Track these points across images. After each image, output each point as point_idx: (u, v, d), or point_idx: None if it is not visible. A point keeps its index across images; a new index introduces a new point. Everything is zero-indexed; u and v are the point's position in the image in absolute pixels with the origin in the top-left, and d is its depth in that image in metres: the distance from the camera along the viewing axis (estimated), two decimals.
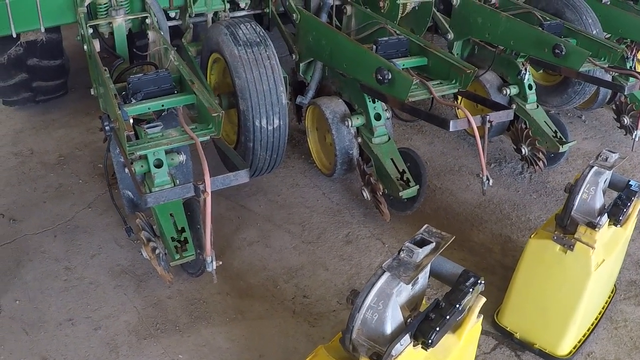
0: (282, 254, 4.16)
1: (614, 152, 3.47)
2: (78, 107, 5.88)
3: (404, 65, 4.02)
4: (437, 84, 3.93)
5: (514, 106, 4.94)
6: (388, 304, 2.27)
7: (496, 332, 3.62)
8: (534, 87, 4.96)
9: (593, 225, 3.23)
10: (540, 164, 4.80)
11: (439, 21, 5.24)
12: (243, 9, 4.98)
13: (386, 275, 2.31)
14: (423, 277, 2.48)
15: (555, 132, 4.83)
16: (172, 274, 3.64)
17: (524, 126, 4.89)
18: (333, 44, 4.25)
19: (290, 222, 4.44)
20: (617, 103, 5.53)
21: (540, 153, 4.76)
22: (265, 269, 4.02)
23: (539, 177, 5.06)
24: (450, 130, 3.64)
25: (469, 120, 3.57)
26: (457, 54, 5.28)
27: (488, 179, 3.75)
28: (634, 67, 6.10)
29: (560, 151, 4.75)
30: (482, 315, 2.59)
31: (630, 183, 3.51)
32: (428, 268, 2.43)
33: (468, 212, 4.62)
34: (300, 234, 4.33)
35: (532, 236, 3.41)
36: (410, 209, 4.23)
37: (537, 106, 4.96)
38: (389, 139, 4.30)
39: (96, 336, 3.48)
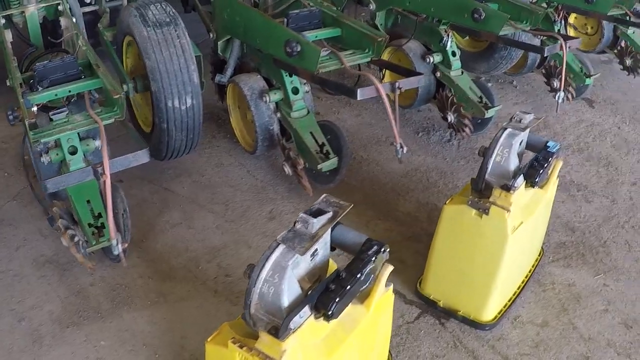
0: (205, 234, 4.00)
1: (529, 113, 3.35)
2: (1, 101, 5.57)
3: (316, 37, 3.86)
4: (350, 53, 3.76)
5: (438, 74, 4.79)
6: (284, 277, 2.20)
7: (420, 300, 3.49)
8: (457, 54, 4.82)
9: (507, 188, 3.11)
10: (467, 130, 4.67)
11: None
12: None
13: (281, 247, 2.25)
14: (323, 248, 2.40)
15: (481, 97, 4.70)
16: (94, 260, 3.53)
17: (448, 93, 4.74)
18: (246, 20, 4.08)
19: (213, 202, 4.26)
20: (547, 67, 5.43)
21: (466, 119, 4.63)
22: (188, 250, 3.86)
23: (467, 144, 4.94)
24: (358, 99, 3.49)
25: (377, 88, 3.40)
26: (381, 24, 5.14)
27: (402, 147, 3.60)
28: (564, 31, 6.04)
29: (486, 116, 4.61)
30: (392, 284, 2.54)
31: (548, 144, 3.40)
32: (327, 238, 2.38)
33: (394, 182, 4.49)
34: (224, 214, 4.15)
35: (447, 202, 3.27)
36: (332, 181, 4.07)
37: (462, 72, 4.82)
38: (308, 112, 4.13)
39: (20, 328, 3.32)
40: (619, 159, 4.97)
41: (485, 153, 3.23)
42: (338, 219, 2.32)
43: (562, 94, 4.42)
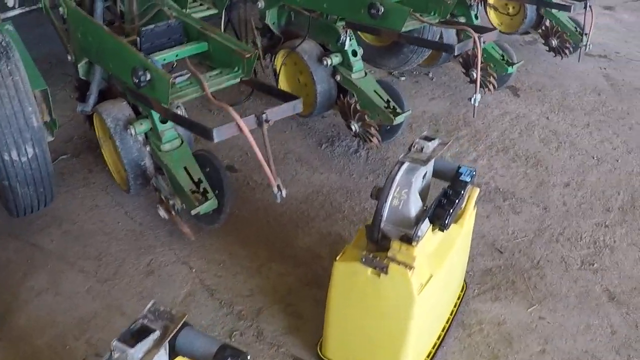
0: (73, 300, 3.26)
1: (433, 138, 2.68)
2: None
3: (177, 55, 3.10)
4: (217, 74, 3.02)
5: (338, 77, 4.08)
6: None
7: None
8: (359, 53, 4.12)
9: (409, 239, 2.44)
10: (374, 140, 3.98)
11: None
12: (14, 8, 3.95)
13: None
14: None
15: (388, 101, 4.03)
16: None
17: (351, 99, 4.04)
18: (97, 40, 3.33)
19: (85, 257, 3.51)
20: (464, 56, 4.76)
21: (372, 128, 3.94)
22: (54, 325, 3.12)
23: (377, 154, 4.28)
24: (215, 140, 2.76)
25: (238, 124, 2.68)
26: (273, 23, 4.44)
27: (280, 189, 2.89)
28: (486, 15, 5.43)
29: (395, 123, 3.93)
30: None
31: (460, 170, 2.72)
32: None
33: (293, 209, 3.79)
34: (96, 271, 3.42)
35: (338, 257, 2.59)
36: (217, 221, 3.38)
37: (365, 74, 4.12)
38: (182, 143, 3.38)
39: None
40: (549, 155, 4.35)
41: (379, 196, 2.55)
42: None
43: (478, 96, 3.75)
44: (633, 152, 4.47)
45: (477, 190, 2.89)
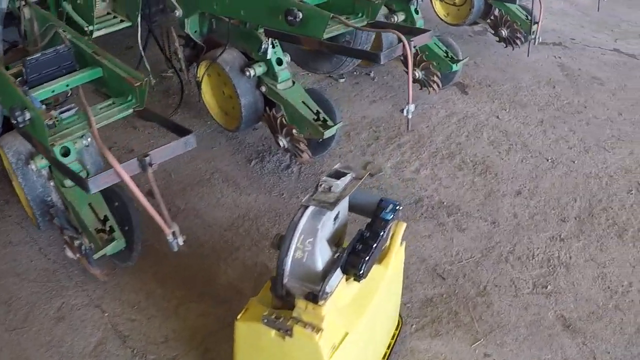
0: None
1: (347, 172, 2.29)
2: None
3: (68, 85, 2.71)
4: (108, 105, 2.60)
5: (263, 88, 3.67)
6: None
7: None
8: (285, 61, 3.69)
9: (315, 298, 2.03)
10: (305, 155, 3.57)
11: None
12: None
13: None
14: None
15: (317, 113, 3.60)
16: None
17: (277, 112, 3.63)
18: None
19: None
20: (405, 55, 4.31)
21: (301, 144, 3.53)
22: None
23: (310, 169, 3.87)
24: (92, 192, 2.39)
25: (117, 171, 2.26)
26: (195, 31, 3.99)
27: (176, 237, 2.48)
28: (431, 6, 5.05)
29: (325, 137, 3.51)
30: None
31: (381, 205, 2.34)
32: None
33: (216, 238, 3.38)
34: (4, 318, 3.01)
35: (240, 315, 2.19)
36: (129, 259, 2.99)
37: (293, 83, 3.70)
38: (87, 174, 2.96)
39: None
40: (499, 160, 3.96)
41: (281, 247, 2.14)
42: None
43: (411, 107, 3.33)
44: (590, 151, 4.10)
45: (404, 225, 2.49)
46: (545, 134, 4.25)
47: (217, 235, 3.43)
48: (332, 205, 2.18)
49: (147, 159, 2.41)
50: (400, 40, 3.20)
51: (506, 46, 5.01)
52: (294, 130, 3.56)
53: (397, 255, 2.48)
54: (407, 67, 4.20)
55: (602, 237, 3.42)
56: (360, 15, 3.46)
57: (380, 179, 3.79)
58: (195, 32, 3.98)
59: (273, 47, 3.64)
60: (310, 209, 2.20)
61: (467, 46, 5.25)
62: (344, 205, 2.37)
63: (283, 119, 3.61)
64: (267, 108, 3.75)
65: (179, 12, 3.84)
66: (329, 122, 3.59)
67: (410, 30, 3.51)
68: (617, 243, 3.39)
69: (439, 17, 5.38)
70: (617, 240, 3.41)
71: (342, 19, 3.39)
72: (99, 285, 3.13)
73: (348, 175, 2.32)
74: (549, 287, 3.11)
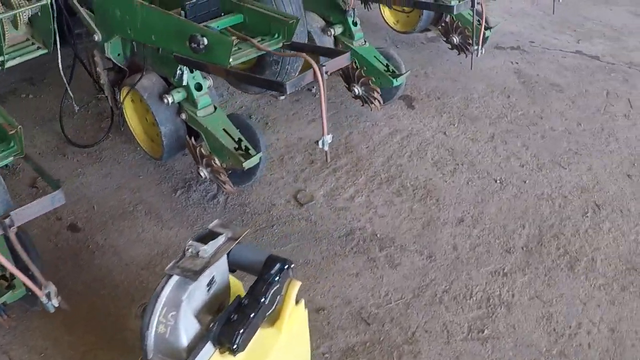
0: None
1: (220, 232, 1.96)
2: None
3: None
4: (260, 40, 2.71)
5: (183, 116, 3.34)
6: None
7: None
8: (205, 86, 3.40)
9: None
10: (227, 187, 3.24)
11: (84, 19, 3.51)
12: None
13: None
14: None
15: (239, 141, 3.26)
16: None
17: (196, 142, 3.30)
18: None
19: None
20: (344, 70, 4.00)
21: (222, 175, 3.20)
22: None
23: (237, 199, 3.51)
24: None
25: None
26: (118, 54, 3.61)
27: (49, 299, 2.17)
28: (380, 14, 4.72)
29: (246, 168, 3.17)
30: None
31: (268, 262, 2.02)
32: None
33: (132, 278, 3.06)
34: None
35: None
36: (36, 304, 2.65)
37: (215, 109, 3.39)
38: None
39: None
40: (442, 183, 3.61)
41: (142, 319, 1.82)
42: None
43: (327, 139, 2.96)
44: (544, 168, 3.75)
45: (298, 284, 2.14)
46: (496, 150, 3.89)
47: (133, 274, 3.09)
48: (196, 274, 1.85)
49: (7, 220, 2.12)
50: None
51: (459, 53, 4.66)
52: (214, 161, 3.22)
53: (293, 316, 2.14)
54: (350, 81, 3.88)
55: (551, 270, 3.08)
56: (276, 36, 3.11)
57: (311, 209, 3.44)
58: (119, 55, 3.63)
59: (192, 71, 3.29)
60: (175, 277, 1.87)
61: (418, 55, 4.90)
62: (221, 267, 2.03)
63: (202, 149, 3.26)
64: (189, 136, 3.40)
65: (97, 37, 3.50)
66: (251, 151, 3.24)
67: (329, 51, 3.16)
68: (567, 276, 3.05)
69: (388, 24, 5.02)
70: (567, 272, 3.07)
71: (254, 42, 3.04)
72: (6, 331, 2.80)
73: (221, 236, 1.98)
74: (485, 331, 2.77)
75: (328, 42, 4.04)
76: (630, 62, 5.04)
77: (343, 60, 3.04)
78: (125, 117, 3.80)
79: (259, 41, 3.10)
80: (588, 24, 5.72)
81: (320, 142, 2.91)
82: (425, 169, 3.72)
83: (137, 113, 3.75)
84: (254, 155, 3.21)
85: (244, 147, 3.26)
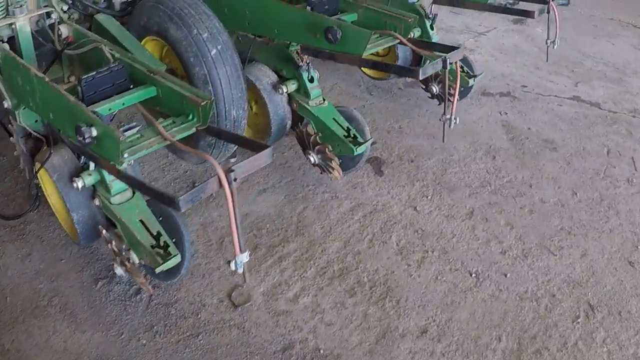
0: None
1: None
2: None
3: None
4: (170, 123, 2.46)
5: (97, 201, 2.70)
6: None
7: None
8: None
9: None
10: (148, 288, 2.61)
11: None
12: None
13: None
14: None
15: (158, 236, 2.64)
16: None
17: (110, 237, 2.66)
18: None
19: None
20: (299, 132, 3.37)
21: (141, 278, 2.58)
22: None
23: (161, 297, 2.91)
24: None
25: None
26: (36, 120, 3.01)
27: None
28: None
29: (158, 270, 2.55)
30: None
31: None
32: None
33: None
34: None
35: None
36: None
37: (133, 194, 2.77)
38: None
39: None
40: (406, 277, 2.98)
41: None
42: None
43: (243, 258, 2.29)
44: (530, 255, 3.10)
45: None
46: (474, 231, 3.23)
47: None
48: None
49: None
50: None
51: (440, 103, 4.00)
52: (127, 262, 2.59)
53: None
54: (305, 146, 3.26)
55: None
56: (190, 117, 2.53)
57: (246, 312, 2.80)
58: (36, 121, 3.01)
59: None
60: None
61: (394, 104, 4.24)
62: None
63: (114, 246, 2.63)
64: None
65: (7, 103, 2.90)
66: (171, 249, 2.60)
67: (247, 143, 2.56)
68: None
69: (361, 70, 4.37)
70: None
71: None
72: None
73: None
74: None
75: (280, 101, 3.39)
76: (634, 110, 4.35)
77: (261, 160, 2.39)
78: (45, 193, 3.17)
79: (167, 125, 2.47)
80: (587, 62, 5.03)
81: (232, 264, 2.26)
82: (388, 258, 3.07)
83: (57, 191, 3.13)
84: (172, 257, 2.57)
85: (162, 244, 2.63)
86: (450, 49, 3.21)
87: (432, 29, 3.93)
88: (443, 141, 3.60)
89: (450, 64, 3.12)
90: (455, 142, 3.92)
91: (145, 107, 2.66)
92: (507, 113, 4.26)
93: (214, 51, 2.86)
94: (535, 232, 3.25)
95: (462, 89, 4.05)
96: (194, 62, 2.88)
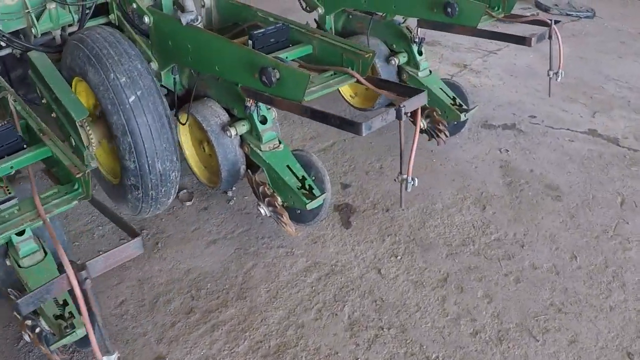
0: None
1: None
2: None
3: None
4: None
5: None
6: None
7: None
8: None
9: None
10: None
11: None
12: None
13: None
14: None
15: (64, 304, 2.23)
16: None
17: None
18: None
19: None
20: (248, 178, 2.90)
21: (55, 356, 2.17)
22: None
23: None
24: None
25: None
26: (331, 28, 3.69)
27: None
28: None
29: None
30: None
31: None
32: None
33: None
34: None
35: None
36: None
37: (44, 255, 2.32)
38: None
39: None
40: None
41: None
42: None
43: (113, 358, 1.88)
44: (507, 339, 2.57)
45: None
46: (444, 304, 2.71)
47: None
48: None
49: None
50: None
51: (429, 139, 3.46)
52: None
53: None
54: (258, 197, 2.82)
55: None
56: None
57: None
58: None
59: None
60: None
61: (378, 138, 3.73)
62: None
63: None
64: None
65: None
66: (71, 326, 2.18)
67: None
68: None
69: (344, 99, 3.86)
70: None
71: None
72: None
73: None
74: None
75: (230, 144, 2.93)
76: None
77: (127, 253, 1.96)
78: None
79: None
80: (609, 87, 4.37)
81: None
82: (335, 334, 2.58)
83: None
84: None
85: (69, 314, 2.21)
86: (413, 92, 2.70)
87: (420, 54, 3.56)
88: (401, 206, 3.07)
89: (406, 114, 2.59)
90: (441, 186, 3.38)
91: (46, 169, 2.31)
92: (508, 151, 3.68)
93: (132, 98, 2.42)
94: (517, 308, 2.70)
95: (454, 123, 3.51)
96: (112, 109, 2.46)
